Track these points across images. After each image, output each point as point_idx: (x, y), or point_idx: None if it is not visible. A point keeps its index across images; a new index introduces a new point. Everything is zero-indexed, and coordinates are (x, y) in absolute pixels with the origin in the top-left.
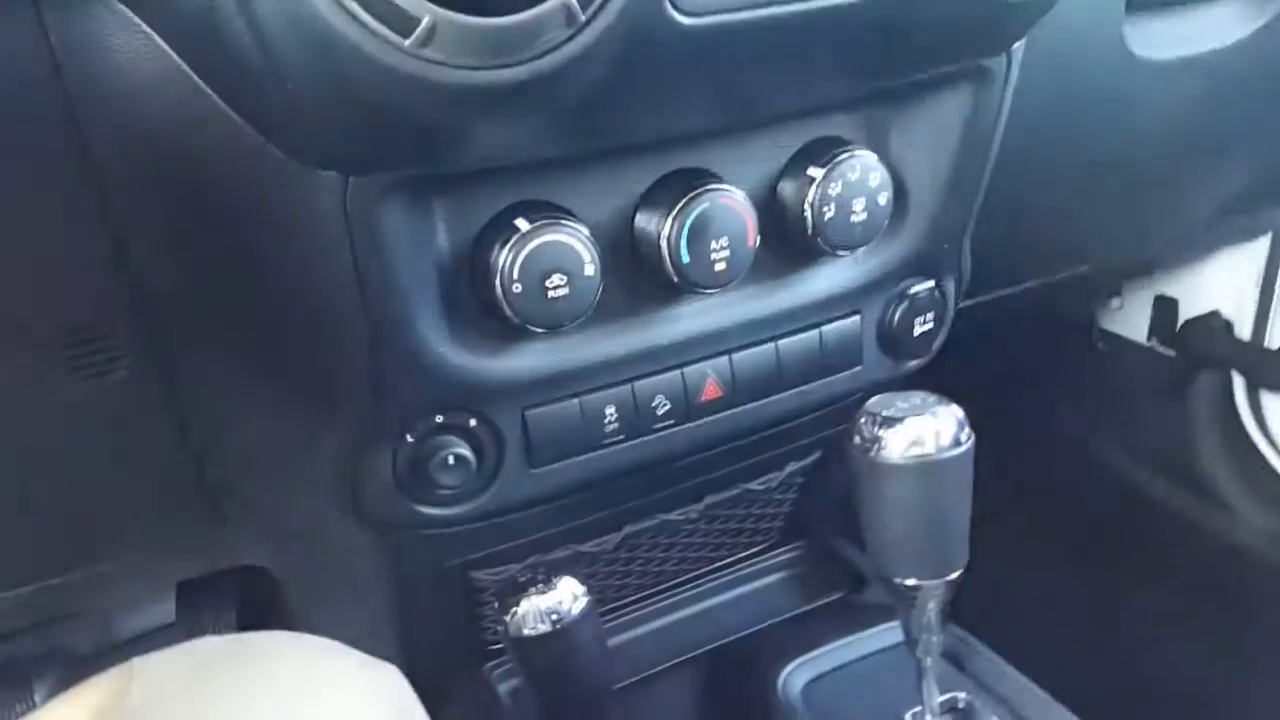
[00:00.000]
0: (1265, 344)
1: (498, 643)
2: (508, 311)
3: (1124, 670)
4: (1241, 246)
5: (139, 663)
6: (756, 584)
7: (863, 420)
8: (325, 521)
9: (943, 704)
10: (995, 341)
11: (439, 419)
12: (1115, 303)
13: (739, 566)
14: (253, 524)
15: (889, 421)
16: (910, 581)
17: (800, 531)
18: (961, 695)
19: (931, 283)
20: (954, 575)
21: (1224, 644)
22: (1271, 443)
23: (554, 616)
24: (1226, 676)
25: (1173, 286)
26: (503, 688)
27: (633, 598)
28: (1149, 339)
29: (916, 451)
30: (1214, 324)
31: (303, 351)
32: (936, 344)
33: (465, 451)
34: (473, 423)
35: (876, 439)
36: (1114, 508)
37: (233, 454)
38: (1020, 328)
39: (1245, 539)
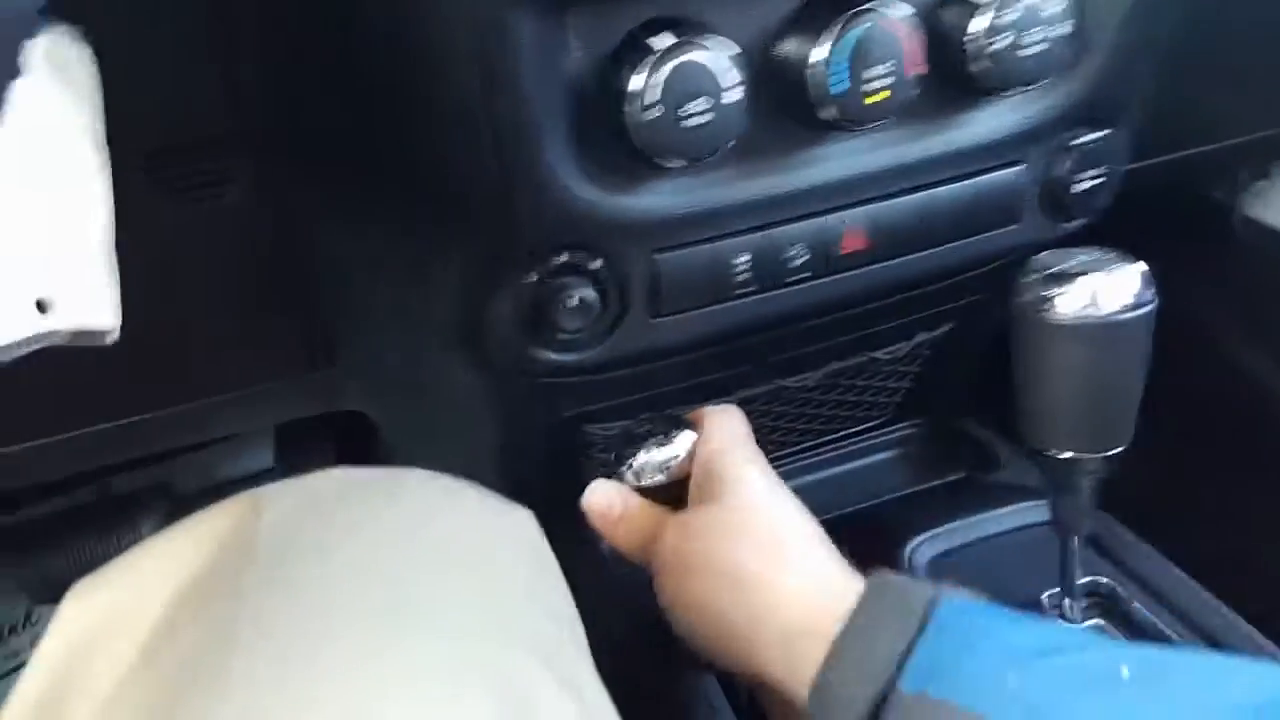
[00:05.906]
0: None
1: None
2: (641, 140)
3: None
4: None
5: (264, 491)
6: (874, 458)
7: (1031, 276)
8: (436, 366)
9: (1083, 587)
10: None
11: (563, 258)
12: (1262, 185)
13: (856, 439)
14: (360, 367)
15: (1062, 278)
16: (1067, 455)
17: (921, 408)
18: (1104, 580)
19: (1105, 133)
20: (1116, 451)
21: None
22: None
23: (671, 469)
24: None
25: None
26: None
27: None
28: None
29: (1092, 312)
30: None
31: (424, 178)
32: (1103, 203)
33: (590, 294)
34: (598, 264)
35: (1046, 296)
36: (1252, 413)
37: (345, 291)
38: (1154, 205)
39: None
